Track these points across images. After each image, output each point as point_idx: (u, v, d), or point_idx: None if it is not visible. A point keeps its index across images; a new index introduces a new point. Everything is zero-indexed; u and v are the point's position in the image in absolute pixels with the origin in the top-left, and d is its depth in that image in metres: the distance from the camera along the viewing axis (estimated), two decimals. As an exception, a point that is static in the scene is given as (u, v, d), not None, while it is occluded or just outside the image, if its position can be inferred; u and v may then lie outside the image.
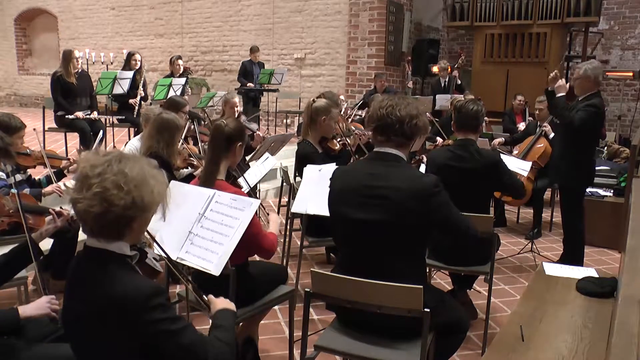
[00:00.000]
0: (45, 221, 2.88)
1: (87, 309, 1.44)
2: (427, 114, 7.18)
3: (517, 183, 3.24)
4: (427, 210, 2.02)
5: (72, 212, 2.19)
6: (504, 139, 5.72)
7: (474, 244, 2.31)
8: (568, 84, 3.91)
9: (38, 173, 3.89)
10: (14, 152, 3.12)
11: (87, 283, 1.46)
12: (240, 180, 3.48)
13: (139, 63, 6.49)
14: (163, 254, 1.90)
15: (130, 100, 6.19)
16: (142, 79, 6.50)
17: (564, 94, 3.85)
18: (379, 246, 2.08)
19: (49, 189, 3.49)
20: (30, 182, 3.57)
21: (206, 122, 5.47)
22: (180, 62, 6.99)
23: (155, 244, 1.87)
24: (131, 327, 1.40)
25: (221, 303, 1.71)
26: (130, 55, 6.58)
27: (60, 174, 3.64)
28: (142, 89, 6.38)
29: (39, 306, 1.97)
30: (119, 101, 6.34)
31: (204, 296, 1.74)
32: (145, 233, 1.68)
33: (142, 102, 6.42)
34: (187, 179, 3.70)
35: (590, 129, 3.74)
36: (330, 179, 2.25)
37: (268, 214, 2.69)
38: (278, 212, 4.93)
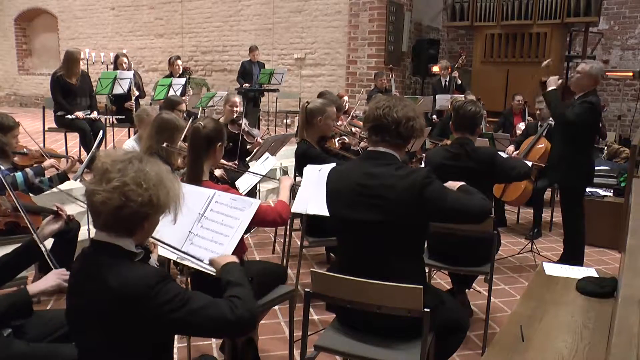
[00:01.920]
0: (40, 221, 2.88)
1: (94, 303, 1.45)
2: (434, 116, 7.20)
3: (519, 170, 3.19)
4: (422, 203, 2.02)
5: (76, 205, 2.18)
6: (512, 146, 5.68)
7: (482, 215, 2.21)
8: (560, 81, 3.89)
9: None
10: (9, 151, 3.11)
11: (92, 276, 1.47)
12: (240, 181, 3.49)
13: (125, 65, 6.47)
14: (163, 246, 1.91)
15: (126, 104, 6.14)
16: (136, 78, 6.49)
17: (554, 87, 3.85)
18: (376, 246, 2.08)
19: (46, 163, 3.49)
20: (29, 184, 3.55)
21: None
22: (179, 62, 6.98)
23: (159, 245, 1.88)
24: (141, 314, 1.42)
25: (222, 259, 1.76)
26: (116, 58, 6.57)
27: (63, 177, 3.63)
28: (134, 88, 6.33)
29: (49, 279, 1.92)
30: (116, 103, 6.32)
31: (204, 261, 1.78)
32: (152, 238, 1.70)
33: (139, 100, 6.41)
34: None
35: (586, 125, 3.74)
36: (327, 180, 2.25)
37: (279, 179, 2.67)
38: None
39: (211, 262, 1.77)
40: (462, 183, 2.43)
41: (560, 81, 3.87)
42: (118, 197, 1.42)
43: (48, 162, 3.50)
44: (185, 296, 1.47)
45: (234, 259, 1.77)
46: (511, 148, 5.61)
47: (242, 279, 1.66)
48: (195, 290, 1.55)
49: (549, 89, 3.85)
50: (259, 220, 2.40)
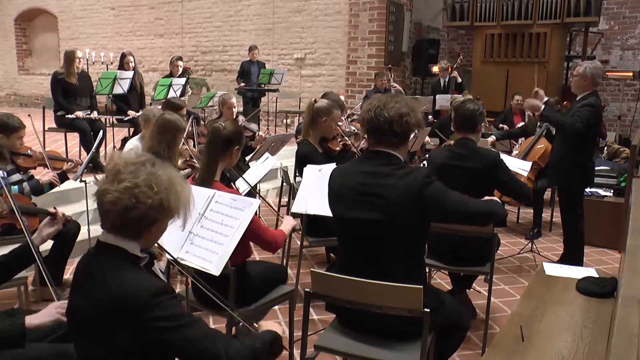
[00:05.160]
0: (37, 222, 2.87)
1: (94, 305, 1.45)
2: (430, 116, 7.19)
3: (521, 187, 3.15)
4: (422, 203, 2.01)
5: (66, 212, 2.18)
6: (494, 136, 5.62)
7: (486, 218, 2.21)
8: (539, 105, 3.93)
9: (39, 174, 3.89)
10: (7, 152, 3.10)
11: (96, 278, 1.47)
12: (240, 181, 3.49)
13: (132, 65, 6.46)
14: (170, 257, 1.90)
15: (130, 112, 6.11)
16: (141, 86, 6.47)
17: (543, 103, 3.89)
18: (376, 245, 2.08)
19: (45, 178, 3.48)
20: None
21: (206, 122, 5.46)
22: (180, 62, 6.99)
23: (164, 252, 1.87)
24: (136, 324, 1.41)
25: (268, 325, 1.71)
26: (122, 57, 6.52)
27: (63, 176, 3.63)
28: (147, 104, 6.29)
29: (48, 313, 1.89)
30: (117, 104, 6.29)
31: (255, 324, 1.73)
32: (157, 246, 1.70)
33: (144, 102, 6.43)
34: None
35: (588, 128, 3.73)
36: (329, 180, 2.25)
37: (282, 217, 2.74)
38: (278, 212, 4.91)
39: (260, 326, 1.71)
40: (493, 198, 2.41)
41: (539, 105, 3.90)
42: (128, 197, 1.42)
43: (47, 177, 3.49)
44: (183, 320, 1.44)
45: (279, 328, 1.70)
46: (491, 139, 5.54)
47: (261, 341, 1.59)
48: (199, 318, 1.52)
49: (541, 110, 3.86)
50: (257, 235, 2.40)
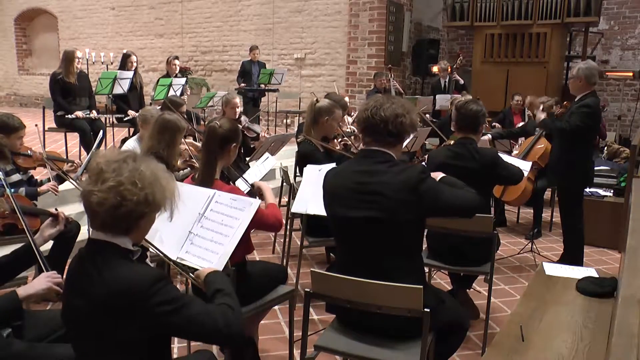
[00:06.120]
0: (38, 222, 2.87)
1: (92, 304, 1.45)
2: (427, 115, 7.18)
3: (514, 172, 3.22)
4: (418, 198, 2.03)
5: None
6: (490, 135, 5.61)
7: (476, 210, 2.24)
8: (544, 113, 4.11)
9: (39, 174, 3.89)
10: (8, 152, 3.10)
11: (90, 275, 1.47)
12: (240, 181, 3.49)
13: (135, 64, 6.44)
14: (158, 252, 1.92)
15: (130, 112, 6.12)
16: (141, 86, 6.47)
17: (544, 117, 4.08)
18: (374, 244, 2.09)
19: (44, 187, 3.47)
20: (33, 184, 3.55)
21: (206, 122, 5.46)
22: (176, 62, 6.97)
23: (150, 246, 1.88)
24: (138, 315, 1.43)
25: (207, 269, 1.80)
26: (126, 57, 6.51)
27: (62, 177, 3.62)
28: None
29: (39, 282, 1.90)
30: (117, 104, 6.29)
31: (191, 273, 1.82)
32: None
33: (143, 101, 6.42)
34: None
35: (586, 128, 3.74)
36: (323, 181, 2.26)
37: (253, 185, 2.67)
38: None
39: (197, 275, 1.80)
40: (443, 175, 2.43)
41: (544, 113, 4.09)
42: (114, 196, 1.43)
43: (46, 186, 3.48)
44: (183, 301, 1.48)
45: (216, 269, 1.81)
46: (487, 137, 5.52)
47: (230, 288, 1.68)
48: (194, 295, 1.56)
49: (540, 120, 4.05)
50: (261, 223, 2.40)
